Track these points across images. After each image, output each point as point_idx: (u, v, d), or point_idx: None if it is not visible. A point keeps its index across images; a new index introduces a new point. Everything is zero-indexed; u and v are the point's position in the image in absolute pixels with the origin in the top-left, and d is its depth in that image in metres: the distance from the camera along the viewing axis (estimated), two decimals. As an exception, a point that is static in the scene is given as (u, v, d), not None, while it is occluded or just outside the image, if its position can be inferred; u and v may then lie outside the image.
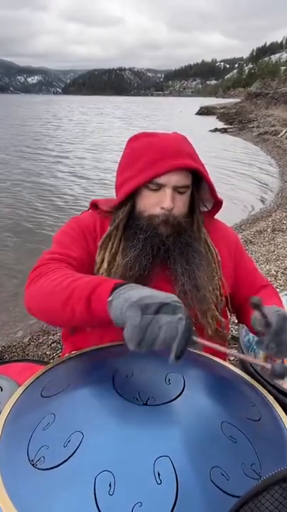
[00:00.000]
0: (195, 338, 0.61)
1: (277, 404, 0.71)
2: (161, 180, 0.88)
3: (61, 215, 6.07)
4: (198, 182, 0.97)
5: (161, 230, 0.90)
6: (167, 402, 0.61)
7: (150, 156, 0.89)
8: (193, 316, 0.89)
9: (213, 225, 1.06)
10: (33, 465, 0.54)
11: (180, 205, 0.91)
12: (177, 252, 0.91)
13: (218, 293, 0.97)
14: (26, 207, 6.48)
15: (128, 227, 0.95)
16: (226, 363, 0.83)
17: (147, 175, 0.89)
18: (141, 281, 0.88)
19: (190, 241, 0.92)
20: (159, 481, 0.50)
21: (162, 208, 0.89)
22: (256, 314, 0.77)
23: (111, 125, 26.04)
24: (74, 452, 0.54)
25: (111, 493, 0.49)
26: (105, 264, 0.93)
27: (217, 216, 1.09)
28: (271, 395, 0.74)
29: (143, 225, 0.91)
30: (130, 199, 0.94)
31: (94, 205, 1.03)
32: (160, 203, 0.89)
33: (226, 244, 1.04)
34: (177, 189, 0.90)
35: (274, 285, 3.21)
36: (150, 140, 0.93)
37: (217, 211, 1.07)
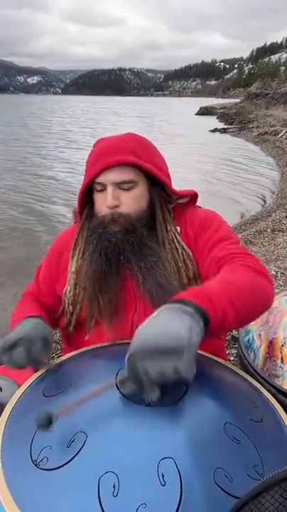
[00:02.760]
0: (45, 350, 0.79)
1: (278, 405, 0.71)
2: (100, 179, 0.90)
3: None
4: (155, 180, 0.95)
5: (109, 229, 0.91)
6: (170, 404, 0.61)
7: (92, 159, 0.93)
8: None
9: (190, 214, 1.01)
10: (36, 465, 0.54)
11: (127, 202, 0.91)
12: (128, 250, 0.90)
13: (185, 280, 0.93)
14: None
15: (87, 230, 0.98)
16: (227, 364, 0.83)
17: (88, 177, 0.92)
18: (105, 280, 0.90)
19: (143, 239, 0.90)
20: (163, 483, 0.50)
21: (106, 207, 0.90)
22: None
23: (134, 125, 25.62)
24: (77, 453, 0.54)
25: (115, 494, 0.49)
26: (73, 269, 0.97)
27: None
28: (272, 395, 0.74)
29: (94, 226, 0.94)
30: (86, 204, 0.99)
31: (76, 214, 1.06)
32: (105, 202, 0.91)
33: (193, 228, 0.98)
34: (119, 186, 0.90)
35: (274, 285, 3.22)
36: (99, 144, 0.96)
37: (194, 202, 1.04)
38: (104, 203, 0.91)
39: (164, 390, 0.58)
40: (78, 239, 1.00)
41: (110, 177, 0.89)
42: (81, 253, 0.98)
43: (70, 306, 0.97)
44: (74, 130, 22.01)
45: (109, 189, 0.90)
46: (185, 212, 1.01)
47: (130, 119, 34.27)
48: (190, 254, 0.95)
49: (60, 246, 1.05)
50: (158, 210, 0.96)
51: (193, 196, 1.03)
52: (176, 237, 0.96)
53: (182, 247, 0.95)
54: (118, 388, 0.62)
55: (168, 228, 0.96)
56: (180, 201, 1.02)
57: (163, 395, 0.59)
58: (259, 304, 0.80)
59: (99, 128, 23.26)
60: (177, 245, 0.95)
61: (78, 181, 8.74)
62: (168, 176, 0.97)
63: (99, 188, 0.92)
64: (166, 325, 0.60)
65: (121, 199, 0.90)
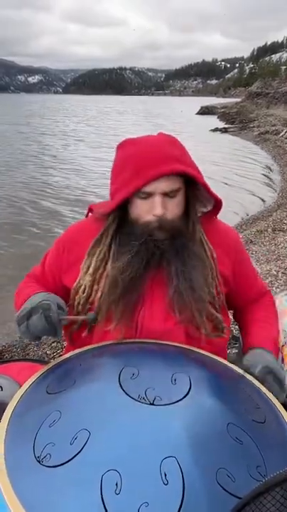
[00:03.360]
0: (61, 317, 0.84)
1: (281, 406, 0.71)
2: (149, 188, 0.88)
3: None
4: (192, 182, 0.96)
5: (157, 235, 0.90)
6: (173, 403, 0.61)
7: (136, 165, 0.89)
8: (190, 315, 0.89)
9: (213, 225, 1.05)
10: (39, 462, 0.54)
11: (172, 209, 0.91)
12: (172, 254, 0.90)
13: (214, 292, 0.96)
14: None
15: (120, 233, 0.96)
16: (230, 364, 0.83)
17: (134, 185, 0.88)
18: (133, 283, 0.90)
19: (185, 242, 0.92)
20: (166, 482, 0.50)
21: (154, 215, 0.89)
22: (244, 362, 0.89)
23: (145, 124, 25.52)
24: (80, 450, 0.54)
25: (117, 492, 0.49)
26: (91, 270, 0.96)
27: (218, 216, 1.09)
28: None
29: (137, 232, 0.91)
30: (121, 208, 0.95)
31: (91, 210, 1.05)
32: (151, 209, 0.89)
33: (225, 246, 1.02)
34: (167, 194, 0.89)
35: (274, 285, 3.22)
36: (135, 147, 0.92)
37: (217, 211, 1.06)
38: (148, 211, 0.89)
39: (167, 388, 0.59)
40: (100, 240, 0.98)
41: (160, 186, 0.88)
42: (101, 255, 0.96)
43: (80, 306, 0.96)
44: (78, 129, 22.17)
45: (159, 198, 0.88)
46: (208, 221, 1.04)
47: (135, 117, 34.35)
48: (214, 254, 0.98)
49: (71, 239, 1.04)
50: (193, 212, 0.98)
51: (216, 207, 1.04)
52: (203, 238, 0.99)
53: (209, 247, 0.98)
54: (121, 386, 0.63)
55: (197, 228, 0.98)
56: (208, 208, 1.04)
57: (162, 396, 0.59)
58: None
59: (103, 126, 23.51)
60: (205, 246, 0.98)
61: (82, 179, 8.83)
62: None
63: (143, 196, 0.89)
64: (272, 360, 0.89)
65: (167, 207, 0.90)
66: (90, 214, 1.07)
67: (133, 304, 0.91)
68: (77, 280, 0.97)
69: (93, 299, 0.95)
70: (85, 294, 0.96)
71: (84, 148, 14.21)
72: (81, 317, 0.83)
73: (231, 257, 1.03)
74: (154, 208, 0.88)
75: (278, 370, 0.85)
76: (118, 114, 40.32)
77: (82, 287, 0.96)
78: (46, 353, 2.54)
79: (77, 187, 8.11)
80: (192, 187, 0.96)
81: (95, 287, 0.95)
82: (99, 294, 0.94)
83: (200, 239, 0.98)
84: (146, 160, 0.88)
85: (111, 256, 0.95)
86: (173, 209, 0.91)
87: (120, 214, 0.96)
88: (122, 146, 0.96)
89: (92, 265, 0.96)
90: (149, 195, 0.89)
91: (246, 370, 0.82)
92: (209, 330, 0.93)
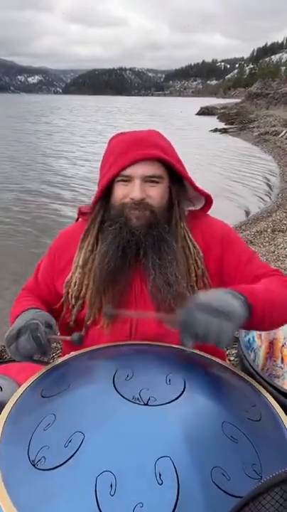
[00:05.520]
0: (49, 336, 0.81)
1: (277, 404, 0.71)
2: (128, 171, 0.89)
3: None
4: (177, 178, 0.96)
5: (132, 222, 0.90)
6: (168, 403, 0.61)
7: (118, 151, 0.92)
8: (170, 311, 0.86)
9: (201, 220, 1.03)
10: (33, 465, 0.54)
11: (154, 195, 0.91)
12: (149, 244, 0.90)
13: (196, 288, 0.94)
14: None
15: (102, 221, 0.97)
16: (226, 363, 0.83)
17: (115, 169, 0.90)
18: (115, 276, 0.90)
19: (163, 235, 0.91)
20: (160, 482, 0.50)
21: (131, 198, 0.90)
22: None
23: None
24: (75, 453, 0.54)
25: (112, 493, 0.49)
26: (81, 263, 0.96)
27: (217, 216, 1.09)
28: (271, 395, 0.74)
29: (113, 215, 0.93)
30: (105, 197, 0.96)
31: (81, 212, 1.06)
32: (130, 193, 0.90)
33: (210, 238, 1.00)
34: (147, 179, 0.90)
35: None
36: (122, 137, 0.95)
37: (208, 207, 1.06)
38: (127, 195, 0.90)
39: (162, 388, 0.59)
40: (88, 231, 0.99)
41: (140, 170, 0.89)
42: (90, 246, 0.97)
43: (73, 300, 0.96)
44: (81, 127, 22.39)
45: (137, 181, 0.89)
46: (197, 216, 1.03)
47: (143, 117, 34.58)
48: (201, 253, 0.96)
49: (62, 244, 1.05)
50: (176, 206, 0.97)
51: (207, 203, 1.05)
52: (188, 235, 0.97)
53: (193, 245, 0.96)
54: (115, 387, 0.62)
55: (181, 225, 0.97)
56: (197, 207, 1.05)
57: (157, 395, 0.59)
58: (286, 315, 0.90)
59: (108, 126, 23.61)
60: (188, 243, 0.96)
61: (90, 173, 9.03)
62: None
63: (123, 180, 0.91)
64: (225, 297, 0.75)
65: (147, 193, 0.90)
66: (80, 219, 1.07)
67: (119, 297, 0.91)
68: (69, 275, 0.97)
69: (84, 294, 0.95)
70: (76, 287, 0.96)
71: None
72: (67, 337, 0.83)
73: (217, 248, 0.99)
74: (132, 192, 0.89)
75: (221, 306, 0.71)
76: (129, 114, 40.85)
77: (73, 281, 0.96)
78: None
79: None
80: (178, 183, 0.97)
81: (85, 281, 0.95)
82: (90, 287, 0.94)
83: (184, 236, 0.96)
84: (128, 145, 0.91)
85: (98, 246, 0.96)
86: (155, 196, 0.91)
87: (106, 203, 0.97)
88: (112, 138, 0.99)
89: (81, 257, 0.96)
90: (129, 179, 0.90)
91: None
92: None
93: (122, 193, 0.91)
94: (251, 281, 0.94)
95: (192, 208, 1.05)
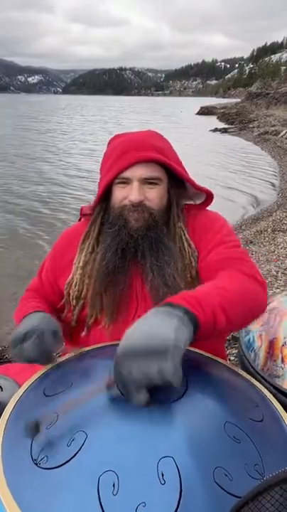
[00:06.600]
0: (54, 347, 0.79)
1: (279, 404, 0.71)
2: (126, 174, 0.90)
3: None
4: (176, 179, 0.97)
5: (131, 224, 0.90)
6: (170, 403, 0.61)
7: (116, 153, 0.92)
8: None
9: (199, 216, 1.02)
10: (36, 464, 0.54)
11: (152, 197, 0.91)
12: (146, 246, 0.90)
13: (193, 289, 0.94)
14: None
15: (102, 223, 0.98)
16: (228, 363, 0.83)
17: (113, 171, 0.91)
18: (115, 276, 0.90)
19: (161, 236, 0.92)
20: (163, 482, 0.50)
21: (129, 201, 0.90)
22: None
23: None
24: (77, 452, 0.54)
25: (114, 493, 0.49)
26: (81, 264, 0.97)
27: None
28: (273, 395, 0.74)
29: (112, 217, 0.93)
30: (105, 198, 0.97)
31: (83, 212, 1.06)
32: (128, 196, 0.90)
33: (203, 232, 0.99)
34: (145, 181, 0.90)
35: (274, 285, 3.22)
36: (120, 139, 0.95)
37: (208, 203, 1.05)
38: (125, 197, 0.91)
39: (164, 388, 0.59)
40: (89, 233, 1.00)
41: (137, 172, 0.89)
42: (90, 247, 0.97)
43: (74, 301, 0.97)
44: (85, 126, 22.53)
45: (136, 184, 0.89)
46: (193, 213, 1.03)
47: (148, 116, 34.76)
48: (196, 252, 0.96)
49: (64, 243, 1.05)
50: (174, 206, 0.97)
51: (207, 199, 1.05)
52: (184, 235, 0.97)
53: (189, 245, 0.96)
54: (118, 387, 0.62)
55: (179, 225, 0.97)
56: (198, 202, 1.04)
57: (159, 395, 0.59)
58: (250, 309, 0.82)
59: (111, 126, 23.76)
60: (185, 243, 0.96)
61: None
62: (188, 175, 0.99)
63: (121, 182, 0.91)
64: (152, 326, 0.61)
65: (146, 195, 0.91)
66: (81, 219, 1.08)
67: (119, 297, 0.91)
68: (70, 276, 0.98)
69: (85, 294, 0.95)
70: (77, 288, 0.96)
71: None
72: (71, 354, 0.82)
73: (197, 233, 0.98)
74: (131, 194, 0.89)
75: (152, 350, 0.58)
76: (136, 113, 41.08)
77: (74, 281, 0.97)
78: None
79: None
80: (177, 184, 0.97)
81: (86, 281, 0.95)
82: (90, 287, 0.94)
83: (180, 236, 0.97)
84: (127, 147, 0.91)
85: (98, 247, 0.97)
86: (153, 198, 0.91)
87: (106, 205, 0.97)
88: (111, 140, 0.99)
89: (82, 259, 0.97)
90: (128, 181, 0.90)
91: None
92: None
93: (121, 195, 0.92)
94: (213, 272, 0.87)
95: (191, 203, 1.05)
